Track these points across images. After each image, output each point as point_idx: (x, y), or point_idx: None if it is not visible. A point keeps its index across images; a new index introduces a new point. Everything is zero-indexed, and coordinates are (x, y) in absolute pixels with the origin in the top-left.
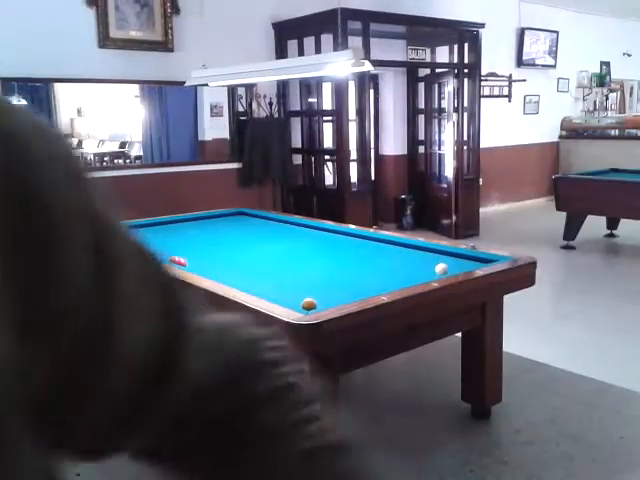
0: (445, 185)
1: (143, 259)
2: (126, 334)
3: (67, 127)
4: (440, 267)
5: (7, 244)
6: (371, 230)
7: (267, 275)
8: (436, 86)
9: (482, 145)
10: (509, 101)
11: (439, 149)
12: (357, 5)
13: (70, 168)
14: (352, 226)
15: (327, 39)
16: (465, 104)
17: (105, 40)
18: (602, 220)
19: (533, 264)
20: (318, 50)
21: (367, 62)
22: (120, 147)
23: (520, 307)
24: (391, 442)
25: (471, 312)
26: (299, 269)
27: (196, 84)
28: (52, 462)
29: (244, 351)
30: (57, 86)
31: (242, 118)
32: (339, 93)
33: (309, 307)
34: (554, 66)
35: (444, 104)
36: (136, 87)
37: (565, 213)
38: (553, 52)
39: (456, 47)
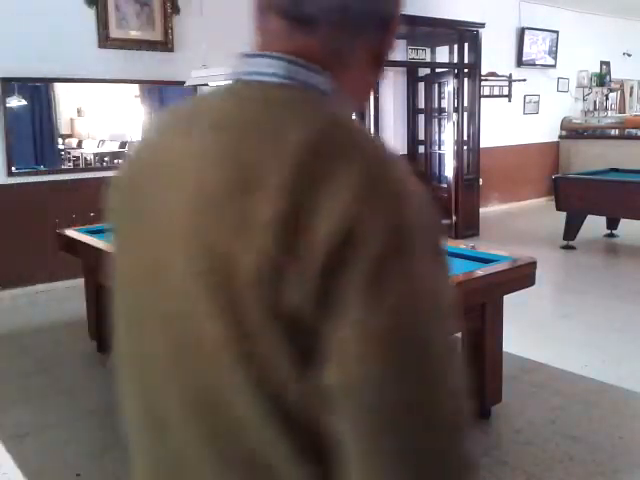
0: (445, 185)
1: None
2: None
3: (67, 127)
4: None
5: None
6: None
7: None
8: (436, 86)
9: (482, 145)
10: (509, 101)
11: (439, 149)
12: None
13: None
14: None
15: None
16: (465, 104)
17: (105, 40)
18: (602, 220)
19: (533, 264)
20: None
21: None
22: (120, 147)
23: (520, 307)
24: None
25: (471, 312)
26: None
27: (196, 84)
28: None
29: None
30: (57, 86)
31: None
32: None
33: None
34: (554, 66)
35: (444, 104)
36: (136, 87)
37: (565, 213)
38: (553, 52)
39: (456, 47)
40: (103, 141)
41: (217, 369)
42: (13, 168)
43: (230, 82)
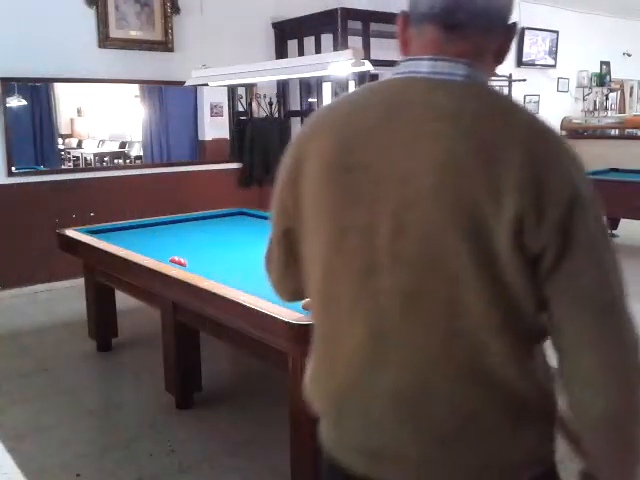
0: None
1: None
2: None
3: (67, 127)
4: None
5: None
6: None
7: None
8: None
9: None
10: None
11: None
12: (357, 5)
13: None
14: None
15: (327, 39)
16: None
17: (105, 40)
18: None
19: None
20: (318, 50)
21: (367, 62)
22: (120, 147)
23: None
24: None
25: None
26: None
27: (196, 84)
28: None
29: None
30: (57, 86)
31: (242, 118)
32: (339, 93)
33: (309, 307)
34: (554, 66)
35: None
36: (136, 87)
37: None
38: (553, 52)
39: None
40: (103, 141)
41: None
42: (13, 168)
43: (404, 77)
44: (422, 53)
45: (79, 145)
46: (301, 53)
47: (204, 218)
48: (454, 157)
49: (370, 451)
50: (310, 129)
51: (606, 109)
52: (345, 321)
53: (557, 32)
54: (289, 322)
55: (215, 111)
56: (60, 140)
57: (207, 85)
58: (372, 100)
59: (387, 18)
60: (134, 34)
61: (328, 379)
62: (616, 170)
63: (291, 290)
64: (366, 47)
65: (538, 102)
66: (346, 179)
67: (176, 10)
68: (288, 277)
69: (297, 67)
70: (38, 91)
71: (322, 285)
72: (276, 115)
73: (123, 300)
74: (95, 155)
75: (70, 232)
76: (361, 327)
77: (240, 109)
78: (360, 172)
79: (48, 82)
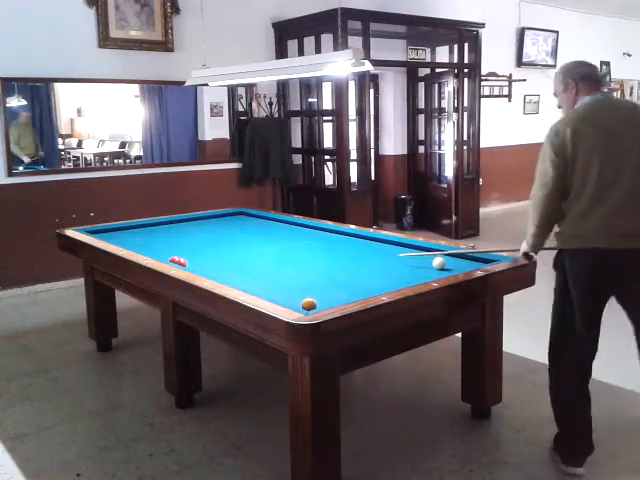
0: (445, 185)
1: None
2: None
3: (67, 127)
4: (437, 261)
5: None
6: (371, 230)
7: (267, 275)
8: (436, 86)
9: (482, 145)
10: (509, 101)
11: (439, 149)
12: (357, 5)
13: None
14: (352, 226)
15: (327, 39)
16: (465, 104)
17: (105, 40)
18: None
19: (533, 264)
20: (318, 50)
21: (367, 62)
22: (120, 147)
23: (520, 307)
24: (391, 442)
25: (471, 312)
26: (299, 269)
27: (196, 84)
28: None
29: None
30: (57, 86)
31: (242, 118)
32: (339, 93)
33: (309, 307)
34: (554, 66)
35: (444, 104)
36: (136, 87)
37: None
38: (553, 52)
39: (456, 47)
40: (103, 141)
41: None
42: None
43: (597, 98)
44: (592, 91)
45: (79, 145)
46: (301, 53)
47: (204, 218)
48: (628, 124)
49: (622, 233)
50: (575, 121)
51: None
52: (610, 189)
53: (557, 32)
54: (289, 322)
55: (215, 111)
56: (60, 140)
57: (207, 85)
58: (594, 106)
59: (387, 18)
60: (134, 34)
61: (600, 211)
62: None
63: (560, 195)
64: (366, 47)
65: (538, 102)
66: (605, 136)
67: (176, 10)
68: (559, 190)
69: (297, 67)
70: (38, 91)
71: (598, 177)
72: (276, 115)
73: (123, 300)
74: (95, 155)
75: (70, 232)
76: (619, 190)
77: (240, 109)
78: (607, 131)
79: (48, 82)
